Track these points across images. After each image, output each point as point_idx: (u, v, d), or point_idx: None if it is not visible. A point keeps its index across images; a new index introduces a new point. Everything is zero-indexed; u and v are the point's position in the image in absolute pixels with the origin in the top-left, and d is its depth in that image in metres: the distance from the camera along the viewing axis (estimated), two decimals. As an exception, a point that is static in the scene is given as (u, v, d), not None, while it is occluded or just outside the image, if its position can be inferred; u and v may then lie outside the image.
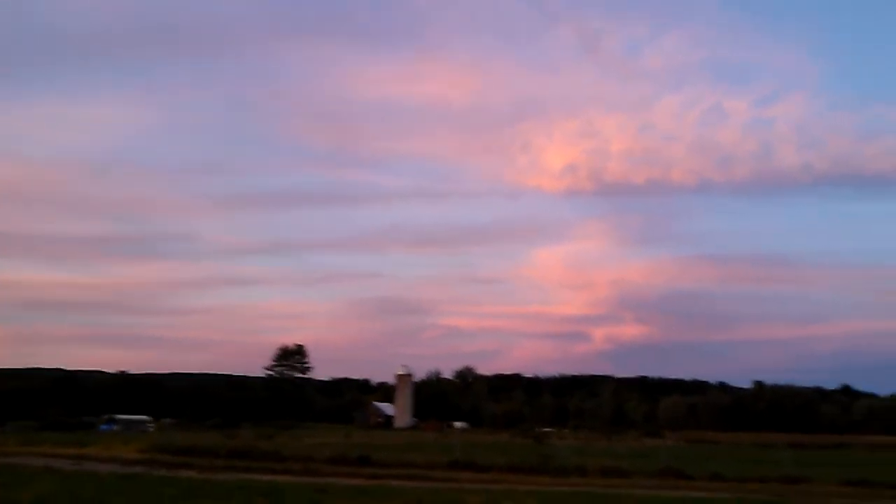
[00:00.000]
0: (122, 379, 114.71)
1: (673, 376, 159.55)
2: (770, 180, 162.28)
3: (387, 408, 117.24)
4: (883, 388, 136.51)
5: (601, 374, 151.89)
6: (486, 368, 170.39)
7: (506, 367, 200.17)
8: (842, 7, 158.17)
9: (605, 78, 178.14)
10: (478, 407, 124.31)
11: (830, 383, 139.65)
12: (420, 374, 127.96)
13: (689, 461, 31.66)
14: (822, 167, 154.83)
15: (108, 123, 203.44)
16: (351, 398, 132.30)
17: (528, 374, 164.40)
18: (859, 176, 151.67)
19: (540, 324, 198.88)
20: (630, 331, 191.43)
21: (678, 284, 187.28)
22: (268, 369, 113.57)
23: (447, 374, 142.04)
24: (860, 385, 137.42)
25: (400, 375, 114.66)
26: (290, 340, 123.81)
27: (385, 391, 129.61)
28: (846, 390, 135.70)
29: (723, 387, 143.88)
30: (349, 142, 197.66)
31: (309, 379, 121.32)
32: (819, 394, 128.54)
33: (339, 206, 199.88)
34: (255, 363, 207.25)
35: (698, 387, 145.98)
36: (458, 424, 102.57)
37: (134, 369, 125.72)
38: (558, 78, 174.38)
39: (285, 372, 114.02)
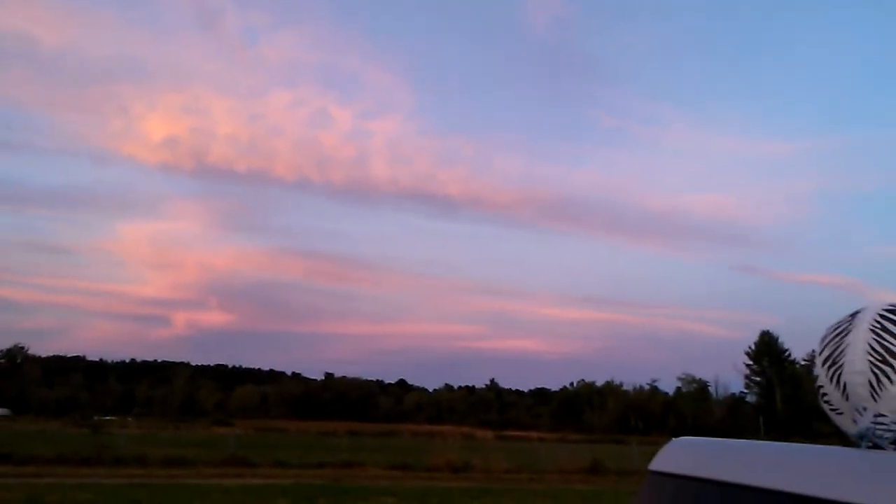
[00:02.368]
0: None
1: (251, 365, 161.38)
2: (363, 188, 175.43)
3: None
4: (431, 383, 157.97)
5: (178, 360, 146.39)
6: (42, 349, 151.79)
7: (67, 348, 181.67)
8: (437, 47, 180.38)
9: (218, 59, 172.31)
10: (26, 392, 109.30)
11: (390, 377, 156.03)
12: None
13: (255, 449, 32.22)
14: (407, 183, 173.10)
15: None
16: None
17: (93, 358, 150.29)
18: (434, 196, 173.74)
19: (114, 303, 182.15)
20: (213, 318, 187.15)
21: (266, 275, 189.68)
22: None
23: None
24: (413, 379, 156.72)
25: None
26: None
27: None
28: (402, 383, 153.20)
29: (296, 377, 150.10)
30: None
31: None
32: (379, 386, 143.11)
33: None
34: None
35: (274, 376, 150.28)
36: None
37: None
38: (168, 46, 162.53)
39: None
